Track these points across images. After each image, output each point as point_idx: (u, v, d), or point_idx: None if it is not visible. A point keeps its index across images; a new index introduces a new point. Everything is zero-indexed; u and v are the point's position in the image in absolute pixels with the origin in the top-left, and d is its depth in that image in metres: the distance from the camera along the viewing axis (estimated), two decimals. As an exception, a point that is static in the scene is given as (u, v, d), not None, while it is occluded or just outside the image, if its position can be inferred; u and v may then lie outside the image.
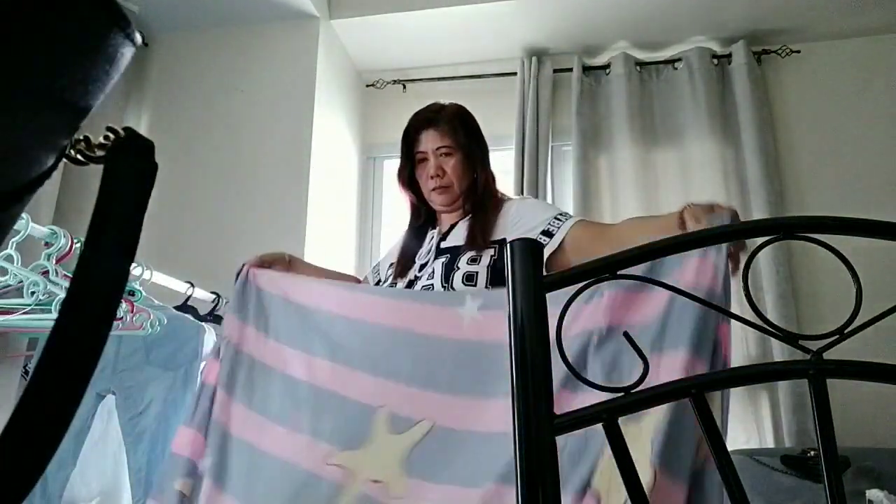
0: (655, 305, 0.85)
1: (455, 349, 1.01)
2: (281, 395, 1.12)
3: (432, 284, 1.23)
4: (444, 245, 1.31)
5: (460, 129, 1.32)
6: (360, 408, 1.03)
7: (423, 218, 1.41)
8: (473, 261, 1.21)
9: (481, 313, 1.01)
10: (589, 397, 0.80)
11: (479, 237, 1.24)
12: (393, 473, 0.95)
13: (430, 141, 1.31)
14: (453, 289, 1.19)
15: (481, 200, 1.32)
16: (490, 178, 1.37)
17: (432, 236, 1.36)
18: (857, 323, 0.45)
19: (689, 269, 0.82)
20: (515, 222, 1.25)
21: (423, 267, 1.30)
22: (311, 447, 1.02)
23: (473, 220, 1.30)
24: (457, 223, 1.34)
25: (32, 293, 1.05)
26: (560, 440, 0.47)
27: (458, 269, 1.21)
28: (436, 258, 1.28)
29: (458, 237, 1.29)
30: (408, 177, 1.37)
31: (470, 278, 1.19)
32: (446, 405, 0.98)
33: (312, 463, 1.00)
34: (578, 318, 0.90)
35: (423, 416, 0.98)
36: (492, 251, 1.21)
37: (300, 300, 1.22)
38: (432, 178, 1.30)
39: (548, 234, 1.18)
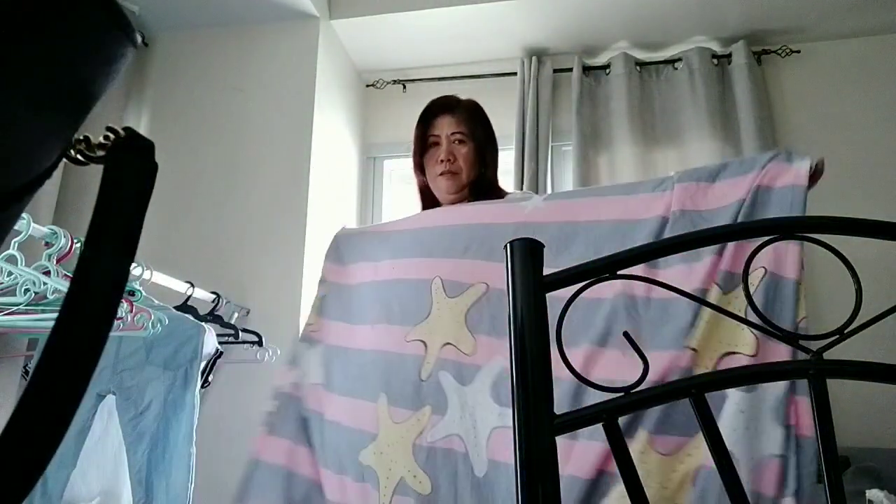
0: (733, 195, 0.87)
1: (512, 229, 1.04)
2: (359, 301, 1.19)
3: None
4: None
5: (477, 121, 1.34)
6: (417, 283, 1.09)
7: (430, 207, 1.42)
8: None
9: (545, 203, 1.05)
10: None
11: None
12: (458, 334, 1.00)
13: (445, 126, 1.32)
14: None
15: (485, 197, 1.32)
16: (496, 179, 1.37)
17: None
18: (857, 323, 0.45)
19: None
20: None
21: None
22: (390, 332, 1.08)
23: None
24: None
25: (26, 291, 1.05)
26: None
27: None
28: None
29: None
30: (421, 161, 1.38)
31: None
32: (499, 271, 1.00)
33: (396, 346, 1.06)
34: (651, 207, 0.93)
35: (476, 280, 1.03)
36: None
37: (377, 230, 1.30)
38: (442, 161, 1.31)
39: None
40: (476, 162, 1.33)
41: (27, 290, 1.04)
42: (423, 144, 1.35)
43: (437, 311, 1.04)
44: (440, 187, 1.34)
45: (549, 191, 2.47)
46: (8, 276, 1.06)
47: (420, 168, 1.39)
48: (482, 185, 1.33)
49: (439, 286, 1.06)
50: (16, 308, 1.06)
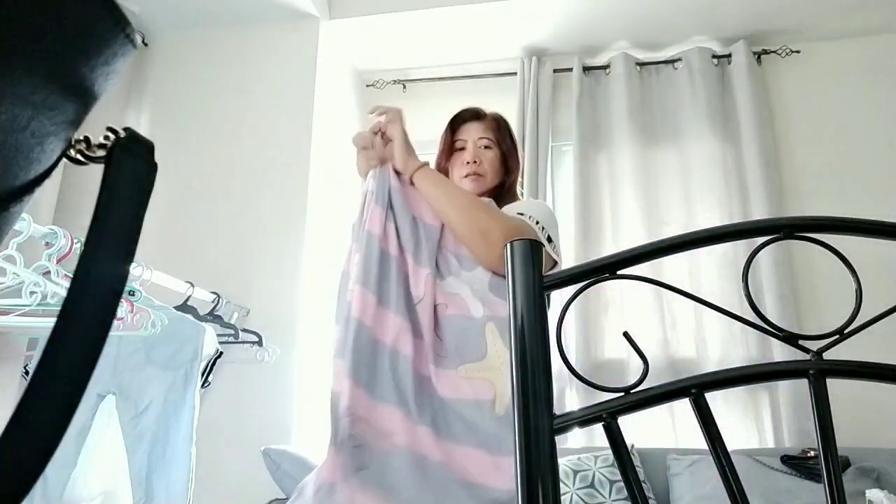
0: None
1: None
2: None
3: None
4: None
5: (504, 131, 1.37)
6: (466, 319, 1.01)
7: None
8: None
9: None
10: None
11: None
12: None
13: (473, 132, 1.35)
14: None
15: (503, 201, 1.34)
16: (515, 186, 1.39)
17: None
18: (857, 323, 0.45)
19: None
20: None
21: None
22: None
23: None
24: None
25: (32, 293, 1.05)
26: None
27: None
28: None
29: None
30: (446, 165, 1.40)
31: None
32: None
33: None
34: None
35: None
36: None
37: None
38: (468, 164, 1.32)
39: None
40: (500, 168, 1.36)
41: (33, 293, 1.04)
42: (450, 148, 1.38)
43: (494, 351, 0.97)
44: (464, 189, 1.36)
45: (549, 191, 2.47)
46: (13, 277, 1.06)
47: (443, 172, 1.41)
48: (502, 194, 1.36)
49: (494, 330, 0.99)
50: (23, 310, 1.06)
